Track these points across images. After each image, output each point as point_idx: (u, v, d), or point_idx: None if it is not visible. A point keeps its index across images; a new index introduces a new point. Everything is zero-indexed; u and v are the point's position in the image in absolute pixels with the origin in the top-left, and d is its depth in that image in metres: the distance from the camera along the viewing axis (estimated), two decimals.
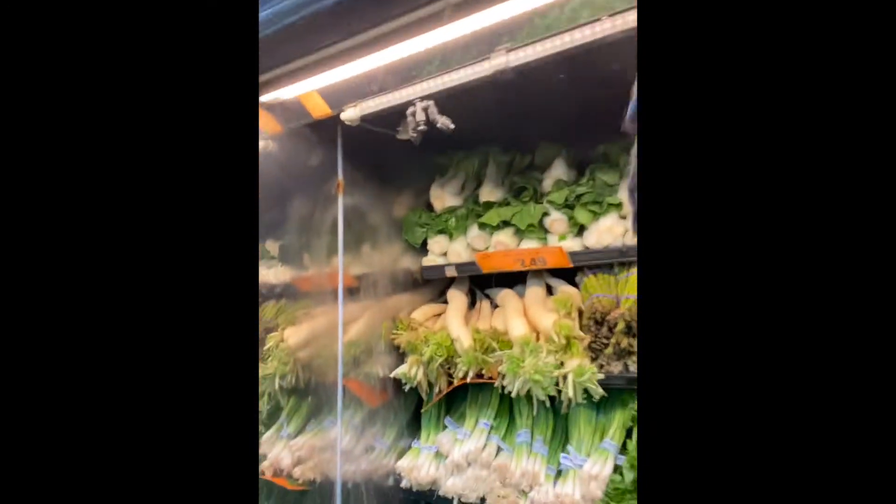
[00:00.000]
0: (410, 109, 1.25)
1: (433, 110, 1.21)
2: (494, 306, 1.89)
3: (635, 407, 1.44)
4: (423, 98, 1.23)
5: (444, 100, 1.25)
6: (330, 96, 1.37)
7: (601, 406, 1.51)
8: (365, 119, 1.38)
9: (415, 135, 1.28)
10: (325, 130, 1.55)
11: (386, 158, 1.78)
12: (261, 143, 1.56)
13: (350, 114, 1.35)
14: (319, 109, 1.39)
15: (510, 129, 1.93)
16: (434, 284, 2.05)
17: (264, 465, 1.96)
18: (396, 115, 1.44)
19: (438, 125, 1.21)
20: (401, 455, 1.75)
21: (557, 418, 1.59)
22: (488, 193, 1.81)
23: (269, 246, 2.31)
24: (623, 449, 1.40)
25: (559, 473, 1.45)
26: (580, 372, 1.30)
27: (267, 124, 1.49)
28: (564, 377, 1.33)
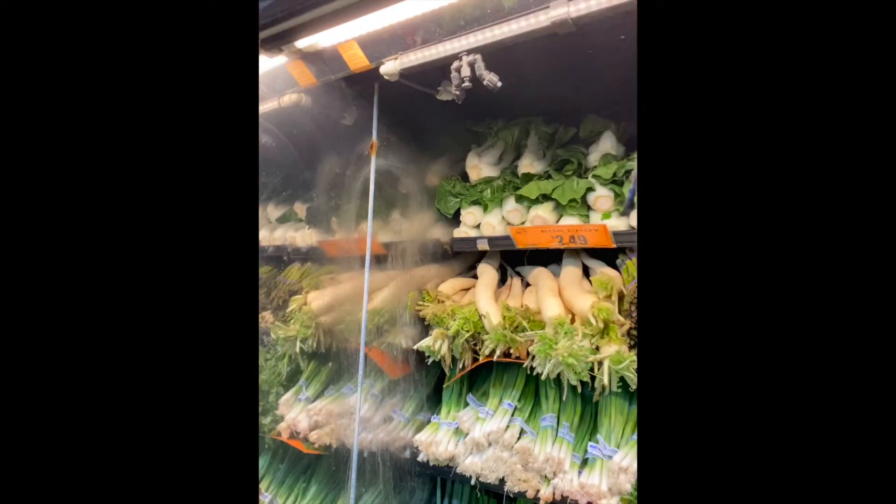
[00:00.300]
0: (455, 64, 1.15)
1: (480, 65, 1.11)
2: (526, 284, 1.81)
3: None
4: (469, 52, 1.13)
5: (490, 59, 1.15)
6: (369, 47, 1.27)
7: (633, 396, 1.43)
8: (405, 75, 1.29)
9: (458, 93, 1.18)
10: (362, 85, 1.46)
11: (423, 121, 1.69)
12: (293, 97, 1.49)
13: (389, 67, 1.26)
14: (358, 61, 1.30)
15: (555, 100, 1.82)
16: (463, 258, 1.98)
17: (281, 427, 1.95)
18: (439, 72, 1.35)
19: (485, 82, 1.11)
20: (419, 429, 1.71)
21: (586, 405, 1.52)
22: (528, 165, 1.71)
23: (298, 208, 2.27)
24: None
25: (585, 462, 1.38)
26: (618, 359, 1.22)
27: (301, 75, 1.41)
28: (600, 363, 1.25)
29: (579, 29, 1.03)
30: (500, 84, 1.12)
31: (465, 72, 1.13)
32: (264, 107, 1.50)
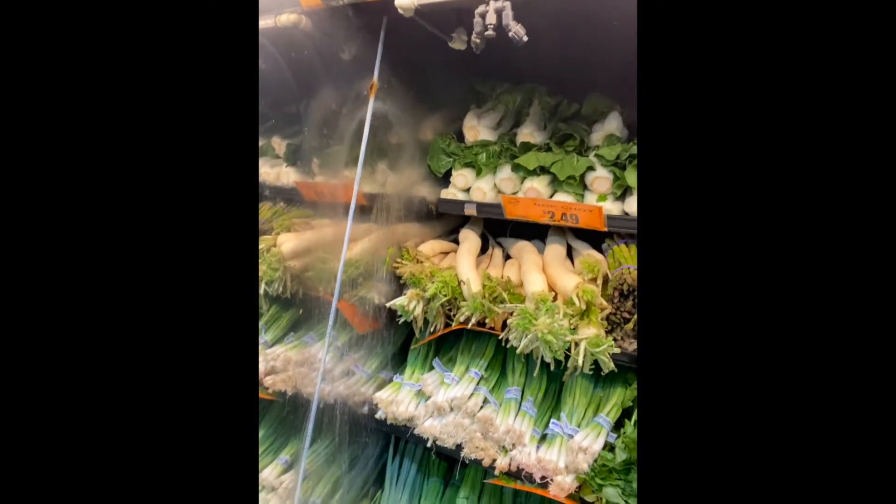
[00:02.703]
0: (481, 8, 1.06)
1: (508, 13, 1.02)
2: (507, 256, 1.78)
3: (636, 387, 1.37)
4: None
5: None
6: None
7: (600, 379, 1.44)
8: (420, 12, 1.18)
9: (478, 41, 1.09)
10: (369, 17, 1.34)
11: (427, 69, 1.58)
12: (292, 17, 1.35)
13: (406, 0, 1.15)
14: None
15: (562, 72, 1.74)
16: (446, 220, 1.92)
17: None
18: (455, 14, 1.25)
19: (510, 33, 1.03)
20: (380, 386, 1.68)
21: (551, 382, 1.53)
22: (528, 135, 1.65)
23: (276, 143, 2.12)
24: (616, 427, 1.34)
25: (544, 438, 1.39)
26: (596, 342, 1.21)
27: None
28: (577, 343, 1.24)
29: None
30: (525, 38, 1.04)
31: (491, 19, 1.05)
32: (259, 23, 1.35)
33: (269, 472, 1.82)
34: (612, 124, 1.56)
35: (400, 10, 1.18)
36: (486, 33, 1.06)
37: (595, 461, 1.25)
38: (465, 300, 1.45)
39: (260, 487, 1.83)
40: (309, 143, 1.78)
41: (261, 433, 2.01)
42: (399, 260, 1.62)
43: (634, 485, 1.18)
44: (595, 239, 1.66)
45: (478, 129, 1.71)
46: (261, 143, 2.18)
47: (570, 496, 1.26)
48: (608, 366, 1.24)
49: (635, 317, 1.28)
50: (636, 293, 1.29)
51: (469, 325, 1.43)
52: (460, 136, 1.76)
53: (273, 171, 2.07)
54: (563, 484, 1.26)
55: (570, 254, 1.69)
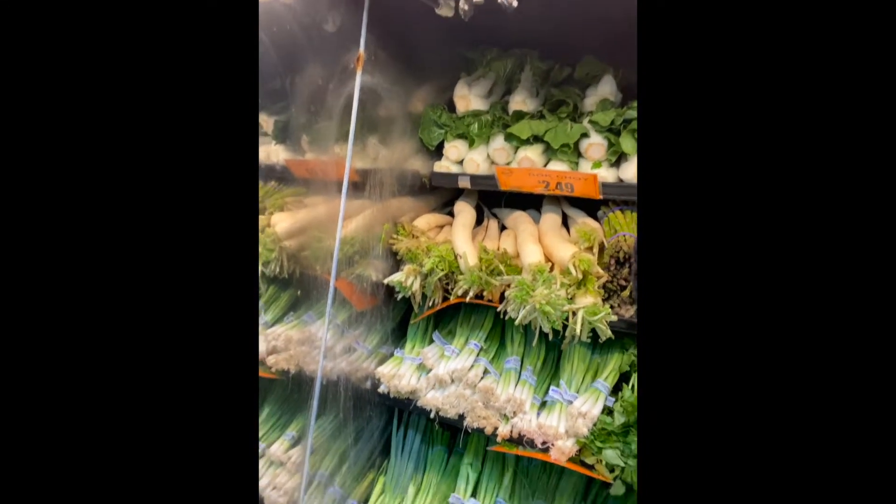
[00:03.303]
0: None
1: None
2: (502, 227, 1.77)
3: (634, 352, 1.39)
4: None
5: None
6: None
7: (597, 346, 1.46)
8: None
9: (466, 7, 1.05)
10: None
11: (413, 38, 1.53)
12: None
13: None
14: None
15: (553, 35, 1.69)
16: (440, 193, 1.90)
17: None
18: None
19: (500, 0, 0.99)
20: (381, 361, 1.70)
21: (549, 351, 1.55)
22: (520, 103, 1.62)
23: (263, 120, 2.07)
24: (614, 392, 1.37)
25: (544, 404, 1.42)
26: (593, 311, 1.22)
27: None
28: (574, 313, 1.25)
29: None
30: (515, 4, 1.00)
31: None
32: None
33: (276, 448, 1.86)
34: (606, 88, 1.53)
35: None
36: (475, 0, 1.02)
37: (594, 425, 1.28)
38: (462, 274, 1.45)
39: (268, 463, 1.88)
40: (297, 120, 1.74)
41: (266, 411, 2.04)
42: (395, 236, 1.62)
43: (633, 446, 1.21)
44: (590, 206, 1.66)
45: (469, 98, 1.67)
46: None
47: (570, 459, 1.30)
48: (606, 333, 1.25)
49: (631, 284, 1.29)
50: (632, 260, 1.29)
51: (467, 299, 1.44)
52: (451, 107, 1.73)
53: (262, 150, 2.03)
54: (564, 448, 1.29)
55: (565, 222, 1.68)
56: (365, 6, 1.34)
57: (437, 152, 1.70)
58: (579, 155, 1.49)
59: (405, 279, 1.51)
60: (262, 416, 2.03)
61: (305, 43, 1.41)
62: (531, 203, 1.80)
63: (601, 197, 1.41)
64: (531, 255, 1.36)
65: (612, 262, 1.32)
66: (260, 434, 1.93)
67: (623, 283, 1.31)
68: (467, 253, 1.45)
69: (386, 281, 1.57)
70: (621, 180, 1.42)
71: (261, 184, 2.12)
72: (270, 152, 2.01)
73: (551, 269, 1.36)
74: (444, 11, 1.28)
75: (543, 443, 1.34)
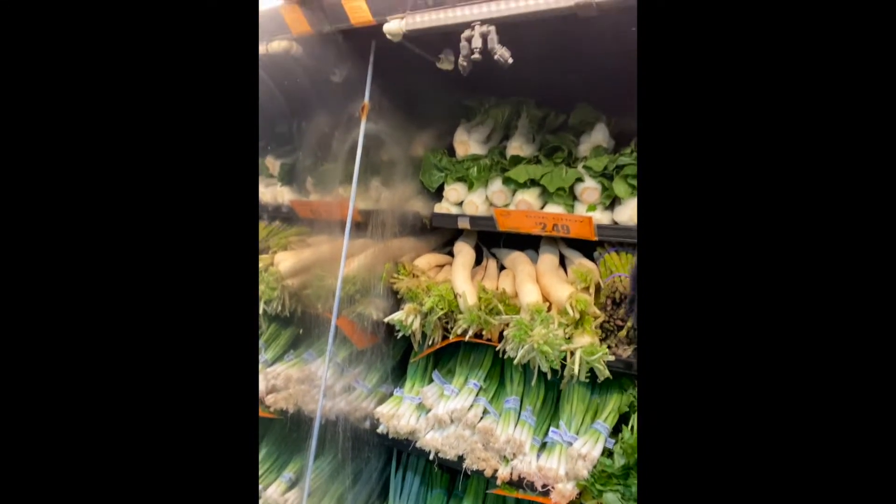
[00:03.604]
0: (467, 33, 1.10)
1: (493, 37, 1.06)
2: (501, 267, 1.81)
3: (633, 392, 1.40)
4: (483, 22, 1.08)
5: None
6: (375, 1, 1.19)
7: (596, 386, 1.47)
8: (408, 37, 1.22)
9: (465, 63, 1.13)
10: (359, 41, 1.37)
11: (415, 88, 1.62)
12: (283, 44, 1.38)
13: (394, 26, 1.18)
14: (360, 15, 1.22)
15: (548, 85, 1.78)
16: (440, 233, 1.95)
17: None
18: (442, 38, 1.28)
19: (496, 56, 1.07)
20: (381, 400, 1.70)
21: (549, 391, 1.55)
22: (517, 148, 1.69)
23: (269, 163, 2.15)
24: (614, 433, 1.37)
25: (544, 446, 1.42)
26: (591, 350, 1.24)
27: (295, 22, 1.31)
28: (572, 352, 1.27)
29: (599, 15, 1.00)
30: (511, 60, 1.08)
31: (477, 43, 1.08)
32: None
33: (273, 490, 1.83)
34: (599, 135, 1.60)
35: (388, 36, 1.21)
36: (472, 56, 1.09)
37: (594, 467, 1.27)
38: (461, 313, 1.48)
39: None
40: (303, 163, 1.81)
41: (264, 451, 2.02)
42: (395, 275, 1.65)
43: (634, 489, 1.21)
44: (587, 247, 1.70)
45: (468, 143, 1.75)
46: None
47: (571, 503, 1.28)
48: (603, 373, 1.27)
49: (628, 323, 1.31)
50: (628, 300, 1.32)
51: (466, 338, 1.46)
52: (451, 151, 1.80)
53: (268, 191, 2.10)
54: (564, 491, 1.28)
55: (562, 262, 1.72)
56: (370, 59, 1.43)
57: (438, 194, 1.76)
58: (574, 198, 1.54)
59: (405, 318, 1.54)
60: (260, 457, 2.00)
61: (313, 93, 1.49)
62: (529, 243, 1.85)
63: (596, 238, 1.46)
64: (529, 295, 1.39)
65: (609, 302, 1.34)
66: None
67: (619, 323, 1.33)
68: (467, 292, 1.48)
69: (386, 319, 1.59)
70: (615, 223, 1.46)
71: (265, 224, 2.17)
72: (276, 193, 2.08)
73: (549, 308, 1.38)
74: (445, 65, 1.36)
75: (544, 486, 1.32)
